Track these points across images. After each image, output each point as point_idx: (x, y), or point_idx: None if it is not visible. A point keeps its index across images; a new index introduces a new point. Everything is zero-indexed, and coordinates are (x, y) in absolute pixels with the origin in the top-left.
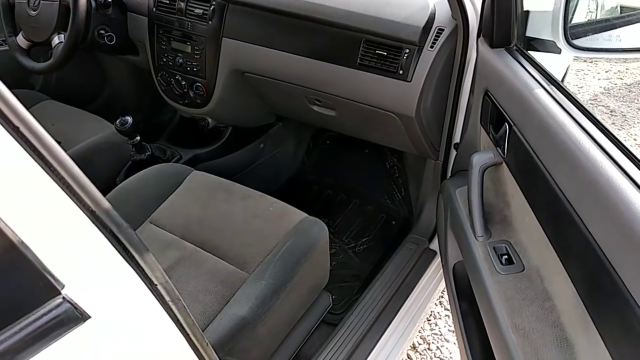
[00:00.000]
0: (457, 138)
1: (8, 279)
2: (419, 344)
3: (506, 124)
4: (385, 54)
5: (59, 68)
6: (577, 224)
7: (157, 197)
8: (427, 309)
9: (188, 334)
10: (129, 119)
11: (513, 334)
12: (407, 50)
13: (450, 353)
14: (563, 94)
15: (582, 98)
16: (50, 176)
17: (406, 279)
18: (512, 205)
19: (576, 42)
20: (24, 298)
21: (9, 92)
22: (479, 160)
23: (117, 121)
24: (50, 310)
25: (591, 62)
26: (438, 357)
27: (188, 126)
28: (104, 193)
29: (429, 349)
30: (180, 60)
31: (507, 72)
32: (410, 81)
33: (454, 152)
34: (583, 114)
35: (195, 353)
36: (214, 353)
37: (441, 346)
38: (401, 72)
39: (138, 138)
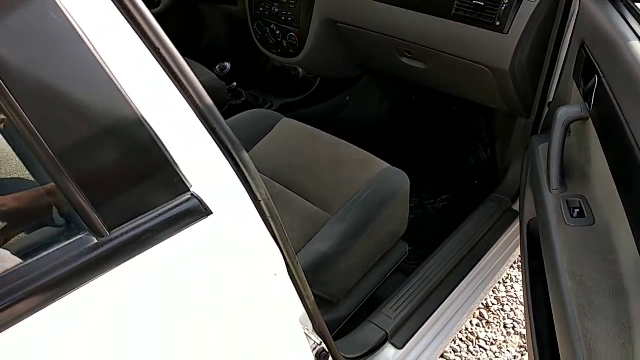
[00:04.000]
0: (552, 96)
1: (151, 174)
2: (493, 304)
3: (596, 76)
4: (482, 4)
5: (166, 14)
6: None
7: (250, 140)
8: (503, 270)
9: (282, 249)
10: (228, 65)
11: (569, 280)
12: (506, 1)
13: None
14: None
15: None
16: (188, 102)
17: (484, 237)
18: (592, 160)
19: None
20: (162, 191)
21: (150, 15)
22: (564, 113)
23: (217, 67)
24: (181, 203)
25: None
26: (511, 319)
27: (280, 75)
28: None
29: (502, 309)
30: (276, 10)
31: (605, 22)
32: (507, 33)
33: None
34: None
35: (287, 267)
36: (302, 271)
37: (515, 308)
38: (498, 23)
39: (235, 84)
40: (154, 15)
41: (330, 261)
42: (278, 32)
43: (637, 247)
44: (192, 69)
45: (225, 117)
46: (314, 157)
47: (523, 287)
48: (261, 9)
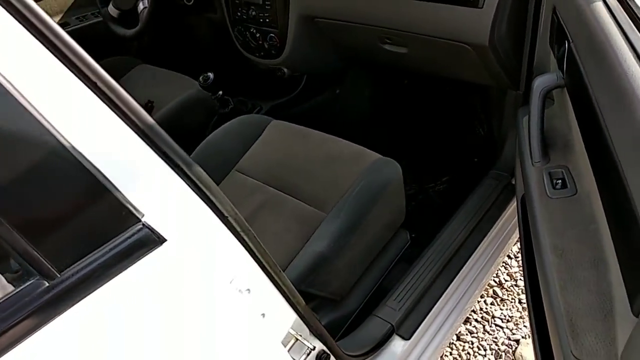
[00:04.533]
0: None
1: (97, 210)
2: (506, 281)
3: (566, 41)
4: None
5: (147, 32)
6: (608, 146)
7: (241, 147)
8: (509, 246)
9: (260, 261)
10: (211, 75)
11: (551, 254)
12: None
13: None
14: (624, 10)
15: None
16: (129, 125)
17: (486, 214)
18: (573, 128)
19: None
20: (110, 225)
21: (84, 52)
22: (540, 83)
23: (200, 77)
24: (132, 235)
25: None
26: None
27: (266, 78)
28: (196, 147)
29: (516, 285)
30: (253, 13)
31: None
32: (481, 7)
33: None
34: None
35: (268, 278)
36: (287, 278)
37: None
38: None
39: (220, 93)
40: (134, 34)
41: (328, 260)
42: (258, 34)
43: (605, 218)
44: (180, 81)
45: (215, 126)
46: (305, 156)
47: (521, 259)
48: (239, 14)
